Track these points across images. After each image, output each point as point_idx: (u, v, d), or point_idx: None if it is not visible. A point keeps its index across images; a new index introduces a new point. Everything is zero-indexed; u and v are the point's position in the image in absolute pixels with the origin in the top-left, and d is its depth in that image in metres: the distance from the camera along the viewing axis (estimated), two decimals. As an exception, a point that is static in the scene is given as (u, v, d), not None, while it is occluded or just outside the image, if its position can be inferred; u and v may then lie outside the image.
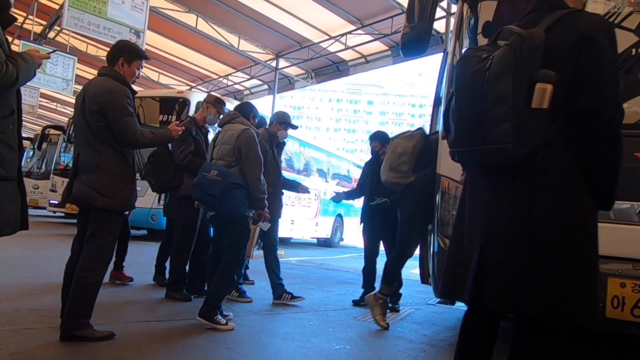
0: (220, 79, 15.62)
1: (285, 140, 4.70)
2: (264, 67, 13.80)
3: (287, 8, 10.18)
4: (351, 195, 5.92)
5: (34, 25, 11.96)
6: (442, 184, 3.23)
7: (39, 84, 11.95)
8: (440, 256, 3.20)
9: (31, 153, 14.26)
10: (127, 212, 3.13)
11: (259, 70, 14.13)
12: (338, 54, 12.02)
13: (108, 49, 3.08)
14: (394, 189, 3.96)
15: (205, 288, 4.13)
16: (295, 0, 9.85)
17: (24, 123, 2.30)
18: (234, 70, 14.78)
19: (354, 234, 14.15)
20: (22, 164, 2.36)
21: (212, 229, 4.09)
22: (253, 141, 3.52)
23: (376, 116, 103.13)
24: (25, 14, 11.89)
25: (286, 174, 4.83)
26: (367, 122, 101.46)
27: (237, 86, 16.11)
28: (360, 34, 10.82)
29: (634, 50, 2.79)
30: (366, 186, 5.00)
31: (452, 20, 4.83)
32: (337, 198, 5.39)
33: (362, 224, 5.02)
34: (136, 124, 2.89)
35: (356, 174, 12.78)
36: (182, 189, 4.20)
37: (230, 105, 5.47)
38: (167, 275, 4.59)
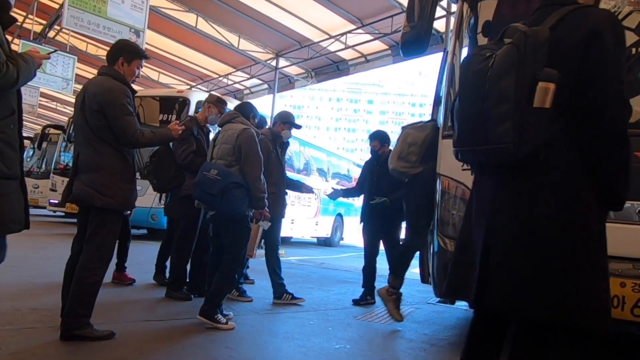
0: (220, 79, 15.61)
1: (289, 140, 4.70)
2: (264, 67, 13.79)
3: (287, 7, 10.17)
4: (349, 193, 5.93)
5: (34, 24, 11.96)
6: (442, 184, 3.23)
7: (39, 84, 11.95)
8: (440, 256, 3.20)
9: (31, 152, 14.25)
10: (128, 212, 3.13)
11: (259, 70, 14.12)
12: (338, 53, 12.01)
13: (108, 49, 3.08)
14: (401, 178, 3.95)
15: (206, 288, 4.13)
16: (295, 0, 9.85)
17: (24, 122, 2.31)
18: (234, 70, 14.77)
19: (354, 233, 14.15)
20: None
21: (212, 228, 4.09)
22: (253, 140, 3.52)
23: (376, 115, 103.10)
24: (25, 13, 11.89)
25: (287, 173, 4.84)
26: (367, 121, 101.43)
27: (237, 85, 16.10)
28: (360, 33, 10.81)
29: (634, 50, 2.79)
30: (366, 185, 5.00)
31: (452, 19, 4.82)
32: (334, 195, 5.39)
33: (362, 223, 5.02)
34: (136, 123, 2.89)
35: (356, 173, 12.76)
36: (183, 188, 4.20)
37: (231, 104, 5.48)
38: (167, 275, 4.59)
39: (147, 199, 7.93)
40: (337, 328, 3.71)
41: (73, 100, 3.60)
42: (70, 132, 10.45)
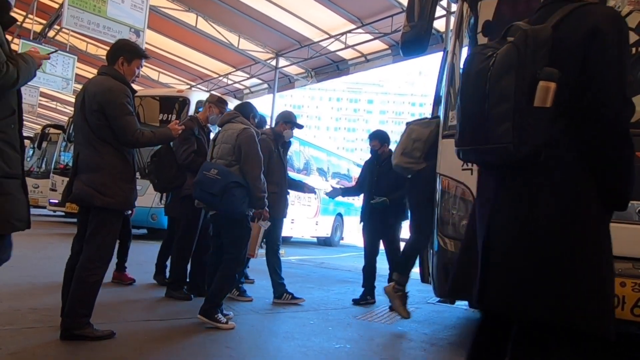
0: (220, 78, 15.61)
1: (291, 140, 4.70)
2: (263, 66, 13.79)
3: (287, 7, 10.17)
4: (348, 192, 5.94)
5: (34, 24, 11.95)
6: (442, 183, 3.23)
7: (39, 83, 11.94)
8: (440, 255, 3.20)
9: (31, 152, 14.24)
10: (129, 212, 3.13)
11: (258, 69, 14.12)
12: (338, 52, 12.01)
13: (108, 48, 3.08)
14: (404, 174, 3.95)
15: (206, 287, 4.13)
16: (295, -1, 9.87)
17: (24, 122, 2.32)
18: (234, 69, 14.77)
19: (354, 233, 14.15)
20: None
21: (212, 228, 4.09)
22: (253, 140, 3.52)
23: (376, 115, 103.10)
24: (25, 13, 11.89)
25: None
26: (367, 121, 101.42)
27: (237, 85, 16.10)
28: (360, 33, 10.81)
29: (634, 49, 2.79)
30: (365, 185, 5.00)
31: (452, 19, 4.82)
32: (333, 193, 5.38)
33: (362, 223, 5.02)
34: (136, 122, 2.89)
35: (356, 173, 12.77)
36: (184, 188, 4.20)
37: (231, 104, 5.48)
38: (167, 275, 4.59)
39: (147, 198, 7.94)
40: (337, 328, 3.71)
41: (73, 100, 3.60)
42: (70, 131, 10.45)
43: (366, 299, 4.80)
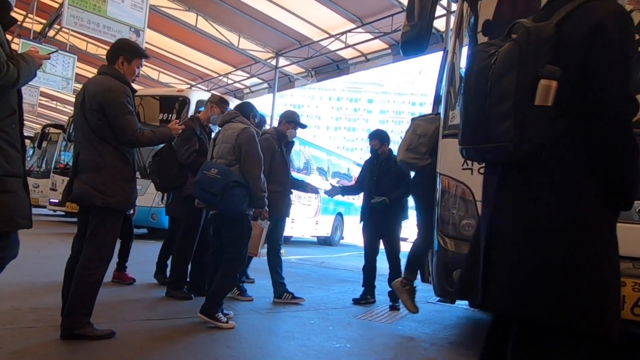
0: (220, 78, 15.60)
1: (294, 139, 4.70)
2: (264, 66, 13.78)
3: (287, 6, 10.17)
4: (348, 191, 5.95)
5: (34, 23, 11.94)
6: (442, 183, 3.23)
7: (39, 83, 11.93)
8: (440, 255, 3.20)
9: (31, 152, 14.24)
10: (131, 212, 3.14)
11: (259, 69, 14.11)
12: (338, 52, 12.00)
13: (108, 48, 3.08)
14: (408, 169, 3.94)
15: (206, 287, 4.13)
16: (295, -2, 9.86)
17: (24, 122, 2.33)
18: (234, 69, 14.76)
19: (354, 232, 14.15)
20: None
21: (212, 227, 4.10)
22: (253, 140, 3.52)
23: (376, 115, 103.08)
24: (25, 13, 11.89)
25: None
26: (367, 120, 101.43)
27: (237, 85, 16.09)
28: (361, 32, 10.80)
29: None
30: (365, 184, 5.00)
31: (452, 18, 4.82)
32: (332, 192, 5.38)
33: (362, 223, 5.02)
34: (136, 122, 2.89)
35: (356, 172, 12.78)
36: (186, 187, 4.21)
37: (231, 104, 5.49)
38: (168, 274, 4.59)
39: (147, 198, 7.94)
40: (338, 327, 3.72)
41: (73, 100, 3.60)
42: (70, 131, 10.45)
43: (366, 298, 4.80)
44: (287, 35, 11.70)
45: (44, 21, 12.44)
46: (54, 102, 21.32)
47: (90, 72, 14.35)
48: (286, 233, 11.23)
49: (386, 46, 11.30)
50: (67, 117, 14.68)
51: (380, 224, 4.81)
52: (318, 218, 12.66)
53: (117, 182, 2.82)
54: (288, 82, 14.73)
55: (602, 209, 1.48)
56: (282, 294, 4.45)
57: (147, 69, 15.36)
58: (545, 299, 1.45)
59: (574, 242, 1.45)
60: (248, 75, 14.85)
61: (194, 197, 3.60)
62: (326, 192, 5.39)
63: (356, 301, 4.77)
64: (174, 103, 9.20)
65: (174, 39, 12.76)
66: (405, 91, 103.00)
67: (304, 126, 4.73)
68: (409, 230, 13.59)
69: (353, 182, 7.53)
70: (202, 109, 8.51)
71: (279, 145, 4.48)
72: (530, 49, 1.45)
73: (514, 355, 1.58)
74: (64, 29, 12.23)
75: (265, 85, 15.49)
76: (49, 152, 13.45)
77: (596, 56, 1.43)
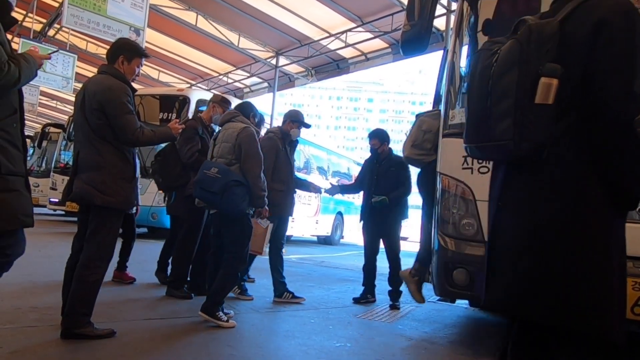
0: (220, 77, 15.60)
1: (298, 138, 4.70)
2: (264, 65, 13.78)
3: (287, 6, 10.16)
4: (347, 189, 5.97)
5: (34, 23, 11.94)
6: (442, 182, 3.23)
7: (39, 82, 11.93)
8: (440, 254, 3.20)
9: (31, 151, 14.24)
10: (134, 211, 3.14)
11: (259, 68, 14.11)
12: (338, 51, 11.99)
13: (108, 47, 3.08)
14: (415, 166, 3.93)
15: (206, 287, 4.13)
16: (295, -2, 9.86)
17: (25, 121, 2.33)
18: (234, 68, 14.75)
19: (354, 231, 14.16)
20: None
21: (212, 227, 4.10)
22: (253, 139, 3.53)
23: (376, 114, 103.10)
24: (25, 12, 11.88)
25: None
26: (367, 119, 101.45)
27: (237, 84, 16.09)
28: (361, 32, 10.79)
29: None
30: (365, 183, 5.00)
31: (452, 17, 4.82)
32: (332, 191, 5.40)
33: (362, 222, 5.02)
34: (136, 121, 2.89)
35: (356, 171, 12.78)
36: (188, 187, 4.21)
37: (233, 103, 5.49)
38: (169, 273, 4.59)
39: (148, 197, 7.94)
40: (338, 326, 3.72)
41: (73, 99, 3.60)
42: (71, 130, 10.45)
43: (366, 297, 4.81)
44: (287, 34, 11.69)
45: (44, 20, 12.43)
46: (54, 102, 21.33)
47: (90, 71, 14.36)
48: (287, 232, 11.29)
49: (386, 45, 11.29)
50: (67, 117, 14.68)
51: (380, 224, 4.81)
52: (318, 217, 12.66)
53: (117, 182, 2.82)
54: (288, 81, 14.73)
55: (603, 209, 1.45)
56: (282, 293, 4.46)
57: (147, 68, 15.36)
58: (544, 299, 1.44)
59: (574, 242, 1.44)
60: (248, 75, 14.85)
61: (194, 196, 3.60)
62: (327, 191, 5.40)
63: (356, 300, 4.78)
64: (174, 102, 9.20)
65: (174, 38, 12.76)
66: (406, 90, 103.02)
67: (308, 126, 4.73)
68: (409, 229, 13.63)
69: (353, 182, 7.54)
70: (202, 108, 8.54)
71: (283, 145, 4.48)
72: (531, 47, 1.44)
73: (514, 355, 1.57)
74: (64, 28, 12.23)
75: (265, 84, 15.49)
76: (49, 152, 13.46)
77: (598, 55, 1.41)
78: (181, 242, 4.32)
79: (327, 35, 11.30)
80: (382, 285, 5.02)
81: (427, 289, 3.88)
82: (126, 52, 2.98)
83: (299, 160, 12.10)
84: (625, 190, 1.45)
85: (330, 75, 13.79)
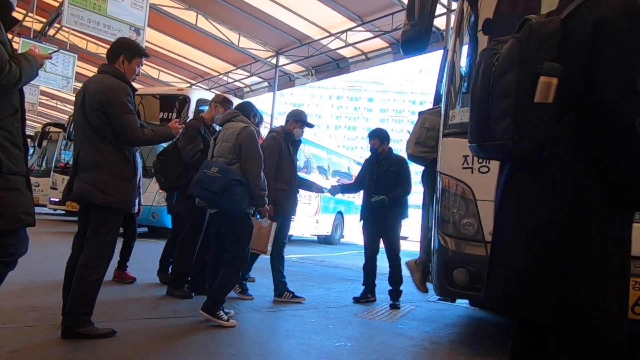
0: (221, 76, 15.61)
1: (301, 138, 4.70)
2: (264, 65, 13.78)
3: (287, 5, 10.17)
4: (348, 189, 5.98)
5: (34, 22, 11.94)
6: (443, 182, 3.23)
7: (39, 82, 11.93)
8: (440, 254, 3.20)
9: (31, 151, 14.24)
10: (136, 211, 3.15)
11: (259, 68, 14.11)
12: (338, 51, 11.99)
13: (108, 47, 3.08)
14: (418, 163, 3.93)
15: (207, 286, 4.13)
16: (295, -3, 9.86)
17: (26, 121, 2.34)
18: (234, 68, 14.76)
19: (354, 231, 14.16)
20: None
21: (212, 227, 4.10)
22: (253, 139, 3.53)
23: (376, 113, 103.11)
24: (25, 12, 11.88)
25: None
26: (368, 119, 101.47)
27: (237, 83, 16.10)
28: (361, 31, 10.79)
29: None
30: (365, 183, 5.00)
31: (453, 17, 4.82)
32: (334, 191, 5.42)
33: (362, 221, 5.02)
34: (136, 121, 2.89)
35: (356, 171, 12.79)
36: (190, 187, 4.21)
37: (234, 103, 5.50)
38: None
39: (148, 197, 7.94)
40: (338, 326, 3.72)
41: (73, 99, 3.60)
42: (71, 130, 10.45)
43: (367, 297, 4.81)
44: (288, 33, 11.70)
45: (44, 20, 12.44)
46: (54, 101, 21.35)
47: (90, 71, 14.36)
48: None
49: (386, 45, 11.29)
50: (67, 116, 14.69)
51: (380, 223, 4.81)
52: (318, 217, 12.66)
53: (118, 181, 2.82)
54: (288, 80, 14.73)
55: (603, 209, 1.44)
56: (282, 292, 4.46)
57: (147, 68, 15.36)
58: (544, 300, 1.43)
59: (574, 243, 1.43)
60: (248, 74, 14.85)
61: (194, 196, 3.60)
62: (329, 191, 5.41)
63: (356, 300, 4.78)
64: (174, 102, 9.20)
65: (174, 37, 12.76)
66: (406, 90, 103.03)
67: (311, 125, 4.72)
68: (409, 229, 13.62)
69: (353, 181, 7.55)
70: (202, 107, 8.54)
71: (286, 144, 4.49)
72: (531, 46, 1.43)
73: (513, 355, 1.57)
74: (64, 28, 12.23)
75: (266, 83, 15.49)
76: (50, 151, 13.47)
77: (597, 54, 1.39)
78: (183, 242, 4.32)
79: (328, 34, 11.30)
80: (382, 285, 5.02)
81: (427, 288, 3.88)
82: (127, 51, 2.98)
83: (299, 159, 12.10)
84: (624, 190, 1.42)
85: (330, 75, 13.79)
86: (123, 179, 2.86)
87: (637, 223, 2.48)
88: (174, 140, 4.09)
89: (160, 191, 6.62)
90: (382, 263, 4.91)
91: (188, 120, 5.17)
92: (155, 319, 3.42)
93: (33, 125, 20.66)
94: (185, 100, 8.93)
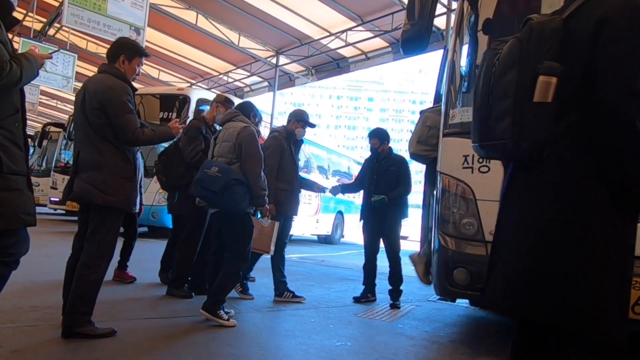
0: (221, 76, 15.60)
1: (303, 138, 4.70)
2: (264, 64, 13.78)
3: (287, 5, 10.16)
4: (348, 188, 5.98)
5: (34, 22, 11.94)
6: (443, 182, 3.23)
7: (40, 82, 11.93)
8: (440, 254, 3.21)
9: (32, 150, 14.24)
10: (137, 211, 3.16)
11: (259, 67, 14.11)
12: (338, 50, 11.99)
13: (108, 46, 3.08)
14: (421, 162, 3.93)
15: (207, 286, 4.14)
16: (295, -3, 9.86)
17: (26, 121, 2.34)
18: (234, 67, 14.76)
19: (354, 230, 14.16)
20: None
21: (213, 227, 4.10)
22: (253, 138, 3.53)
23: (376, 113, 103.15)
24: (25, 11, 11.88)
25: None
26: (368, 118, 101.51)
27: (237, 83, 16.10)
28: (361, 31, 10.79)
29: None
30: (365, 183, 5.00)
31: (453, 16, 4.82)
32: (335, 191, 5.42)
33: (362, 221, 5.02)
34: (136, 121, 2.89)
35: (357, 170, 12.79)
36: (191, 187, 4.21)
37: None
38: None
39: (148, 196, 7.93)
40: (338, 325, 3.72)
41: (73, 98, 3.60)
42: (71, 130, 10.45)
43: (367, 296, 4.81)
44: (288, 33, 11.69)
45: (44, 19, 12.44)
46: (55, 101, 21.35)
47: (90, 70, 14.36)
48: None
49: (386, 44, 11.29)
50: (67, 116, 14.68)
51: (380, 223, 4.81)
52: (318, 216, 12.66)
53: (118, 181, 2.82)
54: (288, 80, 14.73)
55: (604, 209, 1.43)
56: (283, 292, 4.46)
57: (147, 68, 15.36)
58: (544, 300, 1.43)
59: (574, 243, 1.42)
60: (248, 74, 14.85)
61: (195, 195, 3.60)
62: (330, 191, 5.42)
63: (357, 299, 4.78)
64: (174, 101, 9.20)
65: (174, 37, 12.76)
66: (406, 89, 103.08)
67: (313, 125, 4.72)
68: (409, 228, 13.63)
69: (353, 181, 7.56)
70: (202, 107, 8.54)
71: (288, 144, 4.49)
72: (531, 45, 1.43)
73: (513, 355, 1.57)
74: (64, 28, 12.23)
75: (266, 83, 15.49)
76: (50, 151, 13.47)
77: (599, 54, 1.38)
78: (184, 242, 4.32)
79: (328, 34, 11.30)
80: (382, 285, 5.03)
81: (428, 288, 3.88)
82: (127, 51, 2.98)
83: (300, 159, 12.11)
84: (625, 190, 1.42)
85: (330, 75, 13.79)
86: (123, 179, 2.86)
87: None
88: (175, 140, 4.10)
89: (162, 191, 6.63)
90: (382, 263, 4.91)
91: (188, 120, 5.17)
92: (155, 319, 3.43)
93: (33, 125, 20.66)
94: (185, 100, 8.93)
